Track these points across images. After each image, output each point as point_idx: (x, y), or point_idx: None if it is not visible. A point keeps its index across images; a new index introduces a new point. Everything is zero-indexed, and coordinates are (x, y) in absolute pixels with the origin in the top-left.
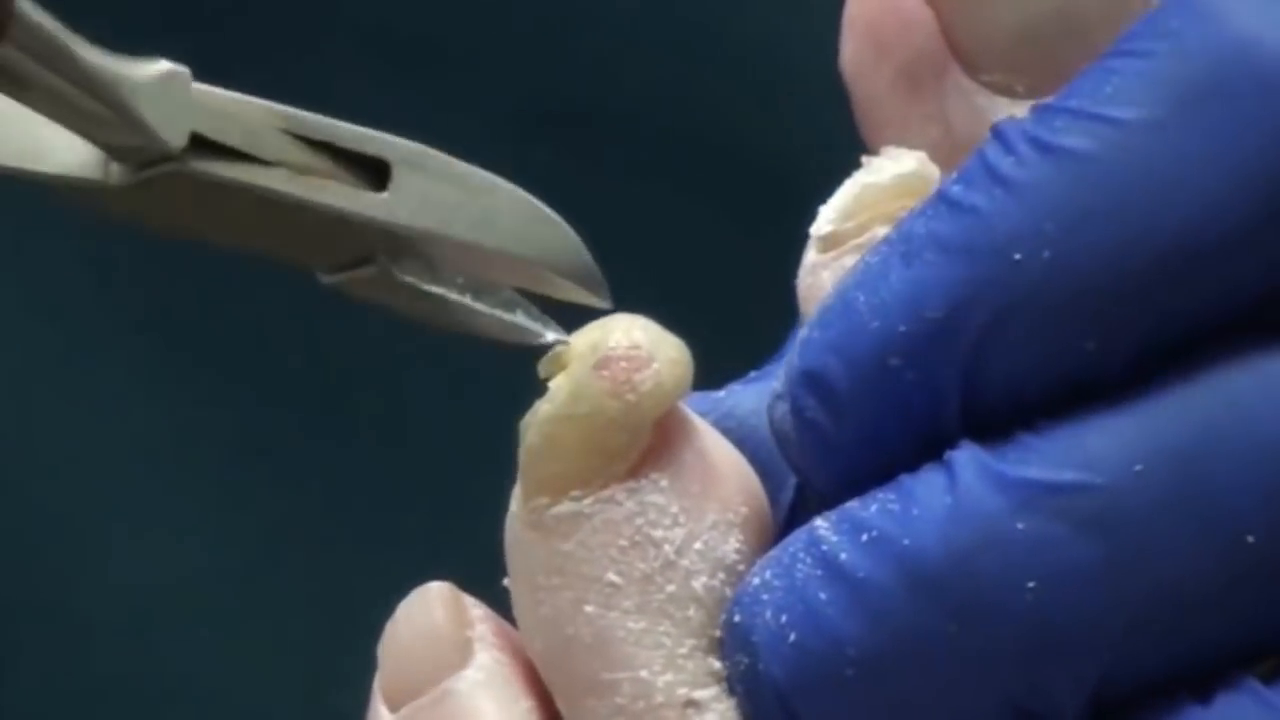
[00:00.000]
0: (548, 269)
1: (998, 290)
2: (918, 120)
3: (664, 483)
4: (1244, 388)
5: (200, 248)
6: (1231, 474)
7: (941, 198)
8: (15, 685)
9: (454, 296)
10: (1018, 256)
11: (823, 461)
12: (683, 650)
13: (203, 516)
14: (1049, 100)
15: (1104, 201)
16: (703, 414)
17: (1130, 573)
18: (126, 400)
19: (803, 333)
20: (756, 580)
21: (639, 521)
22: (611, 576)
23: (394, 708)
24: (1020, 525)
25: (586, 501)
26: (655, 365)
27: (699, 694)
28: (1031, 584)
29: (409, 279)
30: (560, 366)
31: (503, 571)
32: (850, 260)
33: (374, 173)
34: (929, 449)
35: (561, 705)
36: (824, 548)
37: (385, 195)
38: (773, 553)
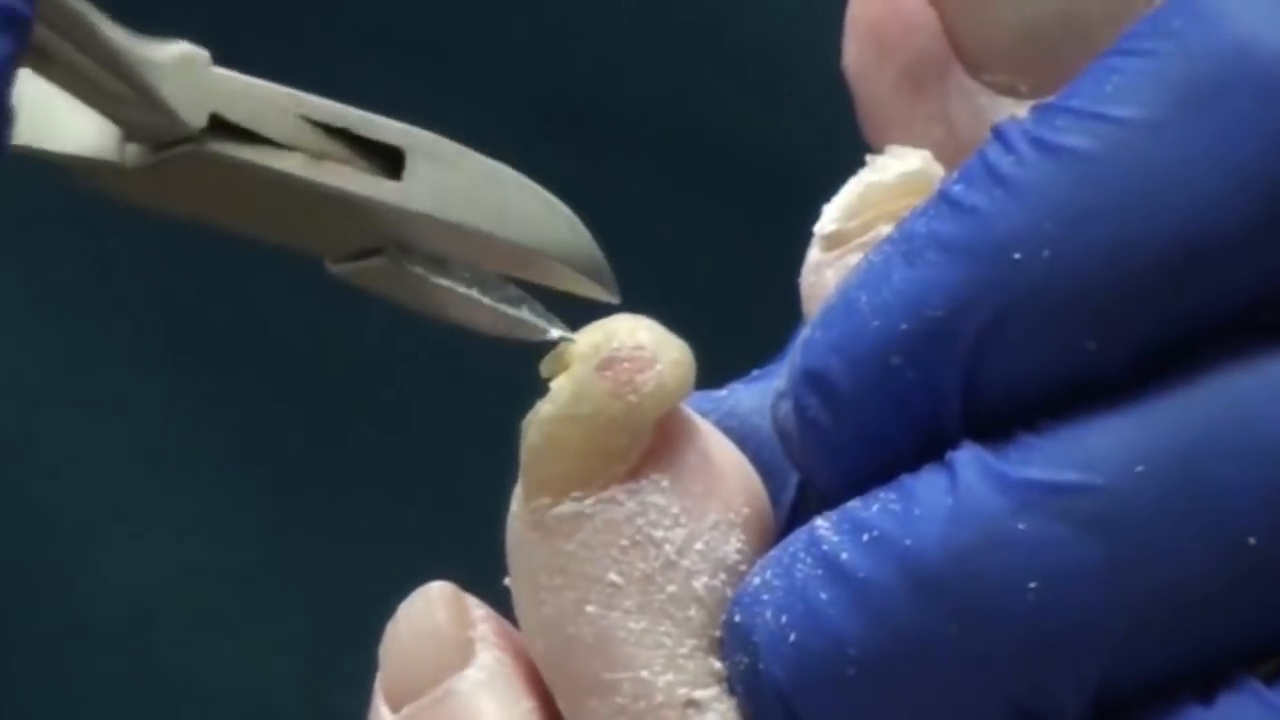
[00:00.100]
0: (558, 261)
1: (998, 290)
2: (921, 121)
3: (665, 483)
4: (1245, 388)
5: (200, 246)
6: (1232, 475)
7: (943, 197)
8: (15, 685)
9: (460, 290)
10: (1018, 256)
11: (824, 461)
12: (683, 650)
13: (203, 516)
14: (1050, 99)
15: (1105, 201)
16: (704, 413)
17: (1131, 573)
18: (126, 399)
19: (805, 332)
20: (757, 580)
21: (640, 522)
22: (613, 576)
23: (395, 708)
24: (1021, 526)
25: (588, 502)
26: (658, 366)
27: (700, 694)
28: (1033, 584)
29: (417, 269)
30: (562, 366)
31: (504, 571)
32: (854, 259)
33: (389, 160)
34: (930, 449)
35: (562, 705)
36: (825, 548)
37: (400, 183)
38: (773, 553)
